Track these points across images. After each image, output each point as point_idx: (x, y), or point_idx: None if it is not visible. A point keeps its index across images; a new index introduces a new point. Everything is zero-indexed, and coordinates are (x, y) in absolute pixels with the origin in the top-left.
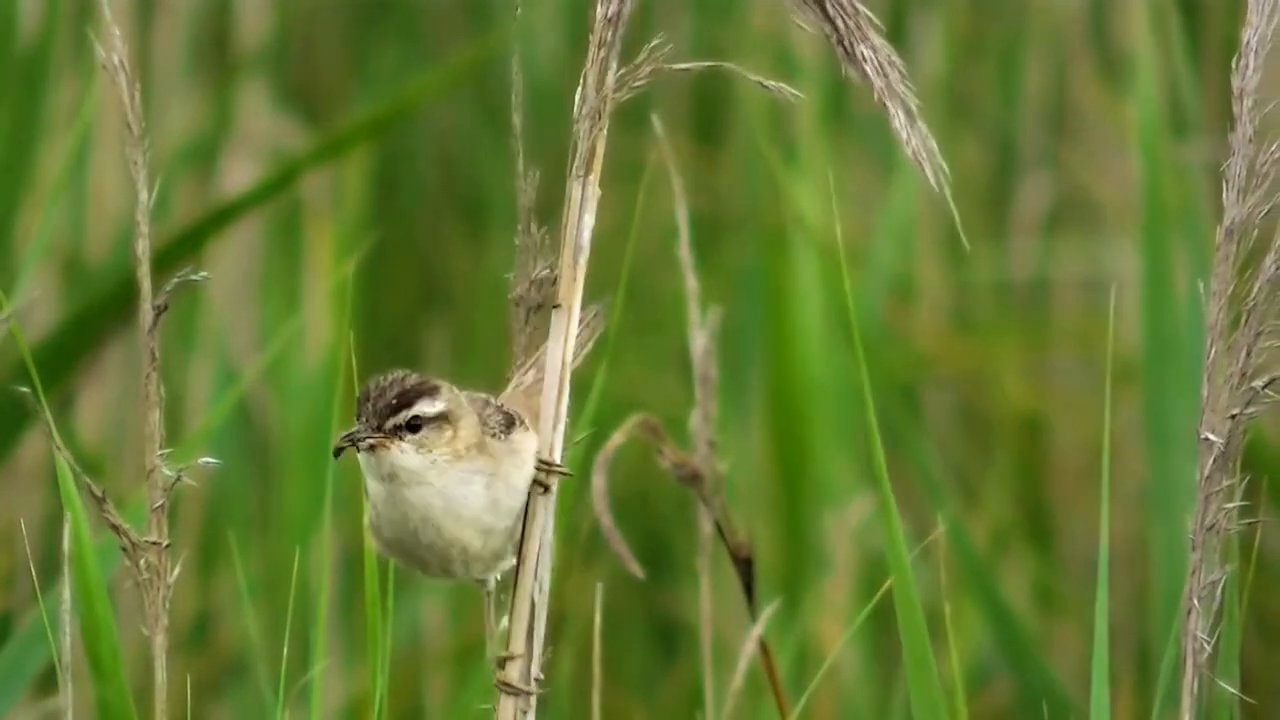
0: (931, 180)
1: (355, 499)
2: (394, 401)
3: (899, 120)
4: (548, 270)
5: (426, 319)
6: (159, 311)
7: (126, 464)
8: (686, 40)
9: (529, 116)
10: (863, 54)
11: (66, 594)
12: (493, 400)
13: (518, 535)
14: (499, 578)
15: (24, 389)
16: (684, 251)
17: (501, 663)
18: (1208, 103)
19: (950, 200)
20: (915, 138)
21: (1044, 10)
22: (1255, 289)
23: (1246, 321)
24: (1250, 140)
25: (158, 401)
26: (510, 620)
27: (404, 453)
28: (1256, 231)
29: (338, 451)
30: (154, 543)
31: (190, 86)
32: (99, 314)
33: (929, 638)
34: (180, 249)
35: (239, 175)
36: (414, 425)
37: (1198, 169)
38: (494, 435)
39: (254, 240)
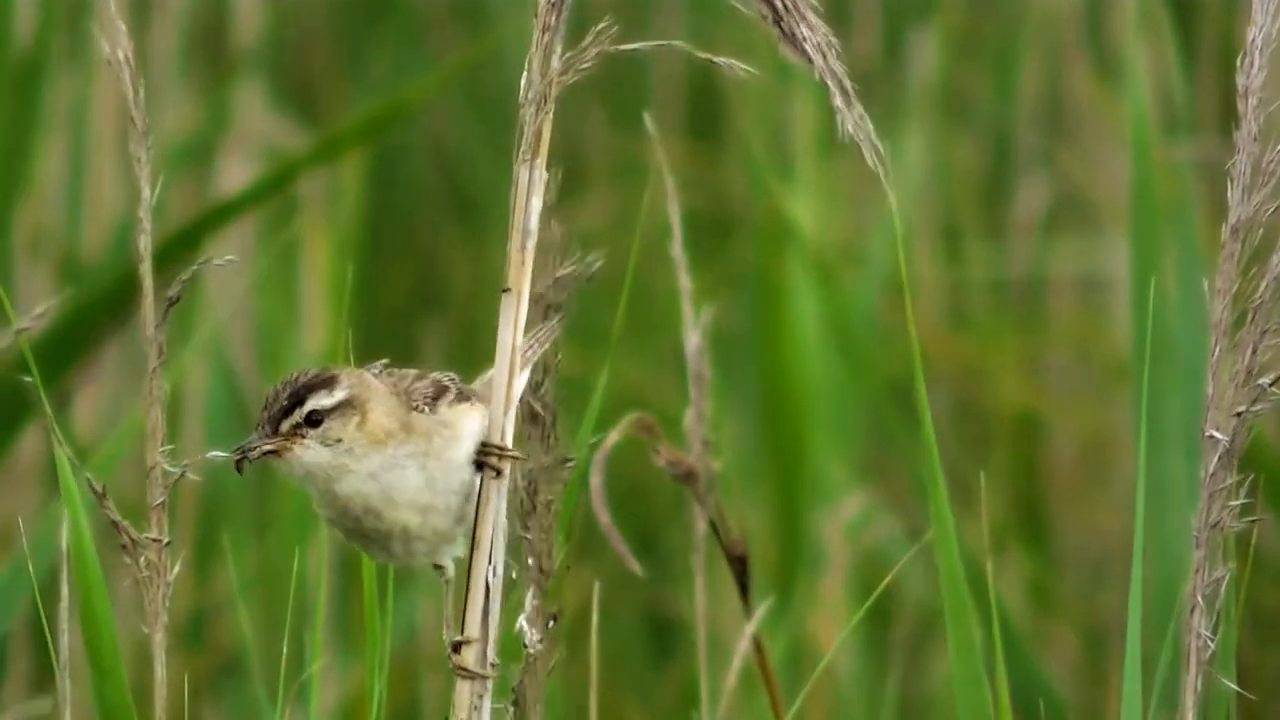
0: (869, 160)
1: None
2: (286, 403)
3: (837, 100)
4: (571, 268)
5: (423, 318)
6: (170, 303)
7: (123, 461)
8: (683, 41)
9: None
10: (801, 34)
11: (65, 591)
12: (429, 373)
13: (470, 519)
14: (451, 564)
15: (26, 378)
16: (677, 250)
17: (457, 647)
18: (1203, 101)
19: (886, 181)
20: (851, 118)
21: (1040, 10)
22: (1262, 287)
23: (1253, 319)
24: (1255, 139)
25: (160, 398)
26: (465, 604)
27: (309, 449)
28: (1262, 230)
29: (237, 466)
30: (154, 540)
31: (186, 86)
32: (95, 312)
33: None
34: (177, 247)
35: (235, 175)
36: (314, 420)
37: (1189, 167)
38: (418, 409)
39: (250, 240)
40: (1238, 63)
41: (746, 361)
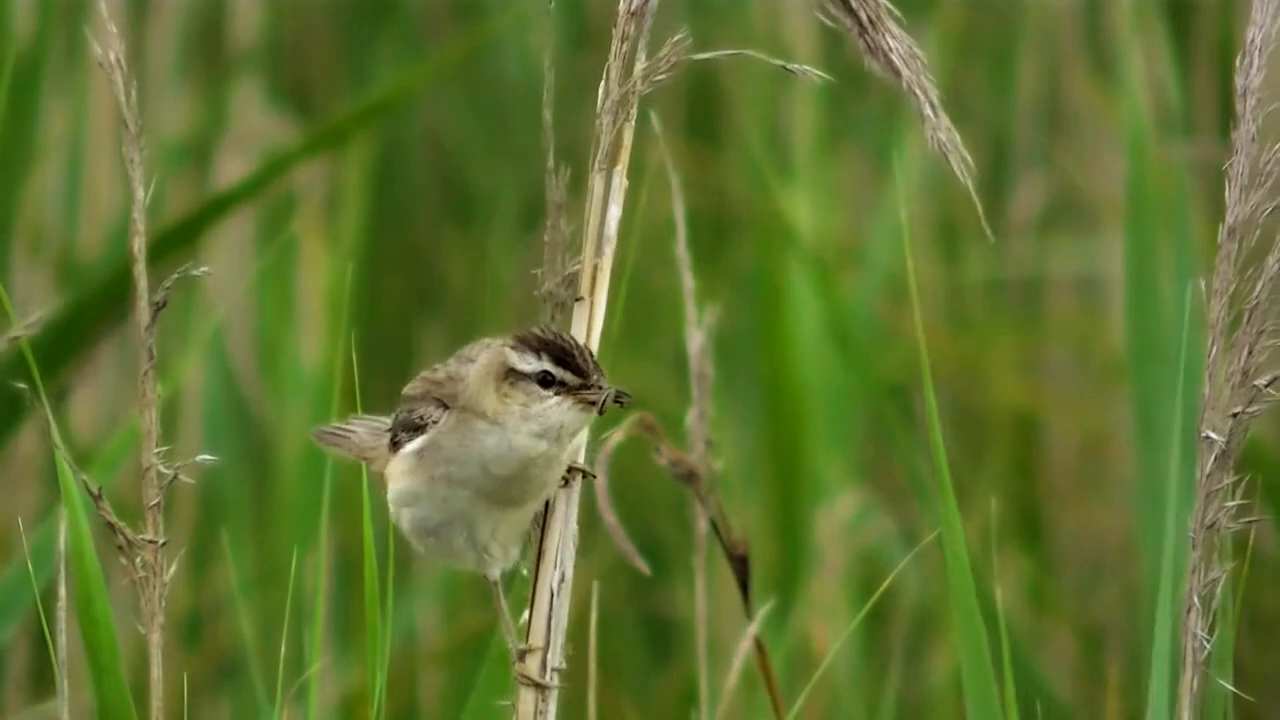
0: (956, 172)
1: (351, 497)
2: (595, 362)
3: (926, 111)
4: (579, 266)
5: (422, 318)
6: (158, 308)
7: (125, 462)
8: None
9: (523, 112)
10: (886, 46)
11: (62, 591)
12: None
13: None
14: (506, 570)
15: (21, 385)
16: (681, 250)
17: (521, 655)
18: (1200, 102)
19: (973, 193)
20: (941, 130)
21: (1037, 10)
22: (1258, 287)
23: (1249, 320)
24: (1253, 139)
25: (154, 399)
26: (530, 612)
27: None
28: (1259, 231)
29: (603, 409)
30: (150, 540)
31: (183, 85)
32: (92, 310)
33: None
34: (173, 244)
35: (233, 173)
36: None
37: (1185, 167)
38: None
39: (248, 239)
40: (1236, 63)
41: (745, 361)
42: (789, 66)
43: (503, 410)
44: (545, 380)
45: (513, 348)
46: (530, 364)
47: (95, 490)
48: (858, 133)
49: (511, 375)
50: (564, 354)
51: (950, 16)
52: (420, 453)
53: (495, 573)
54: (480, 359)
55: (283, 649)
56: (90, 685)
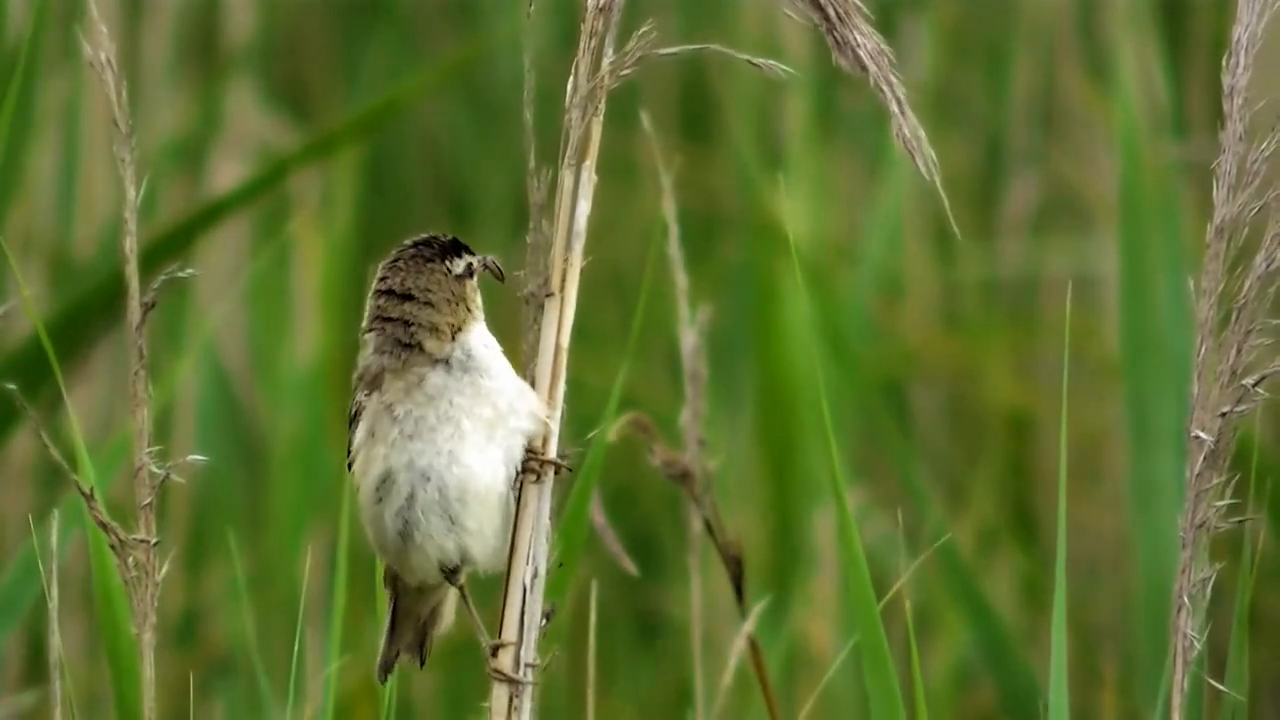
0: (922, 169)
1: (348, 498)
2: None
3: (893, 108)
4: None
5: None
6: (147, 309)
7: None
8: (676, 42)
9: (516, 112)
10: (854, 42)
11: (54, 590)
12: None
13: (507, 544)
14: (490, 551)
15: (11, 386)
16: (673, 249)
17: (494, 651)
18: (1195, 101)
19: (940, 190)
20: (906, 126)
21: (1031, 9)
22: (1246, 287)
23: (1237, 319)
24: (1241, 138)
25: (146, 399)
26: (503, 608)
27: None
28: (1247, 229)
29: (497, 271)
30: (142, 540)
31: (178, 85)
32: (87, 312)
33: (898, 649)
34: (168, 247)
35: (228, 174)
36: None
37: (1177, 167)
38: None
39: (244, 240)
40: (1223, 62)
41: (739, 362)
42: (754, 61)
43: (474, 313)
44: (470, 270)
45: (441, 259)
46: (460, 264)
47: (87, 490)
48: (849, 130)
49: (455, 282)
50: (458, 243)
51: (945, 16)
52: (370, 431)
53: (460, 578)
54: (417, 304)
55: (294, 647)
56: (112, 685)
